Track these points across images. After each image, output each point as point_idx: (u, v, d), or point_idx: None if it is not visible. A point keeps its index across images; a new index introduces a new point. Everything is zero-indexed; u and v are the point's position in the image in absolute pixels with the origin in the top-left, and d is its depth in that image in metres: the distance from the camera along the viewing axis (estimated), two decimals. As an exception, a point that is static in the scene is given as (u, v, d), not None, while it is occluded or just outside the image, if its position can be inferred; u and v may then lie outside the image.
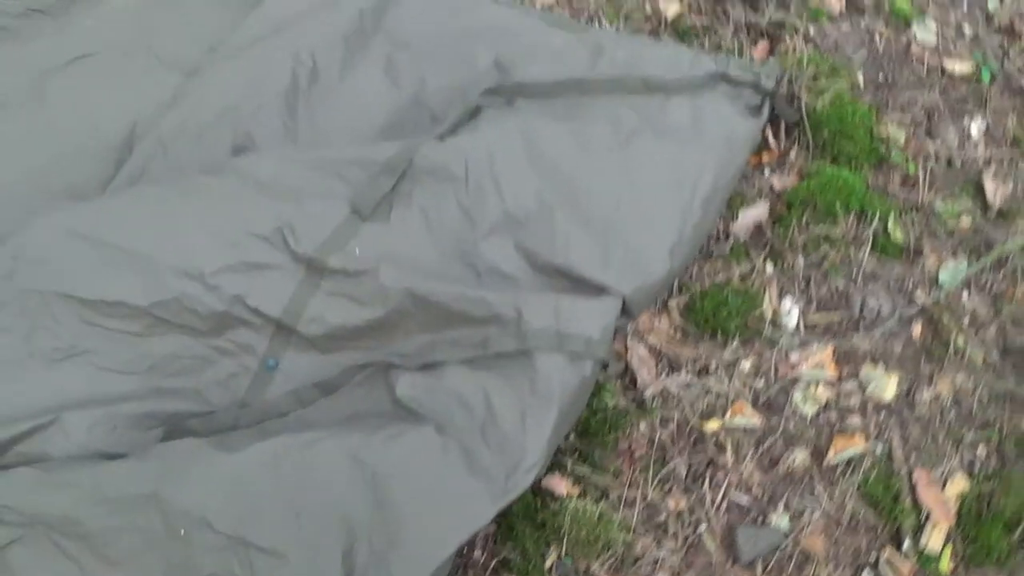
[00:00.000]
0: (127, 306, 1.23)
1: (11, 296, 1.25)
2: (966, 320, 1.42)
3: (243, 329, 1.25)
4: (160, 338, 1.25)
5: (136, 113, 1.53)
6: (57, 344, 1.24)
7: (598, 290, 1.24)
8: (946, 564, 1.24)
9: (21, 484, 1.13)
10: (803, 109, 1.54)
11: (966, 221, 1.50)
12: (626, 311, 1.25)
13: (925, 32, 1.74)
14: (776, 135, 1.56)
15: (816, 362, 1.37)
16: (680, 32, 1.70)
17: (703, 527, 1.26)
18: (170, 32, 1.65)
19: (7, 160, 1.50)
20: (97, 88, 1.57)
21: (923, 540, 1.24)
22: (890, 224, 1.47)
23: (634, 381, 1.36)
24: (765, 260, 1.47)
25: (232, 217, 1.27)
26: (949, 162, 1.57)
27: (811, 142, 1.55)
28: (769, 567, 1.23)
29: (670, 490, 1.29)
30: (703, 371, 1.37)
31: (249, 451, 1.12)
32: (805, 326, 1.42)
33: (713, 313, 1.40)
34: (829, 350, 1.38)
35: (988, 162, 1.57)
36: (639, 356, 1.37)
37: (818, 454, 1.31)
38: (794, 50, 1.64)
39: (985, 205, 1.52)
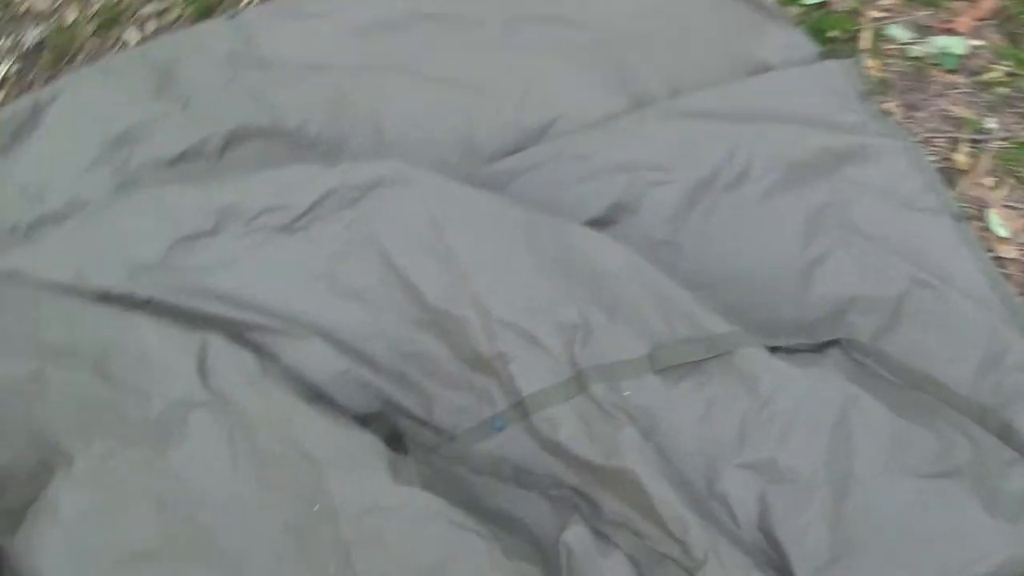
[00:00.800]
0: (421, 295, 1.36)
1: (350, 215, 1.43)
2: None
3: (494, 381, 1.36)
4: (433, 337, 1.39)
5: (565, 110, 1.63)
6: (353, 281, 1.41)
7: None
8: None
9: (239, 364, 1.32)
10: None
11: None
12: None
13: None
14: None
15: None
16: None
17: None
18: (655, 51, 1.72)
19: (446, 78, 1.66)
20: (553, 60, 1.69)
21: None
22: None
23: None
24: None
25: (549, 284, 1.36)
26: None
27: None
28: None
29: None
30: None
31: (409, 491, 1.23)
32: None
33: None
34: None
35: None
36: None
37: None
38: None
39: None
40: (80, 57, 2.01)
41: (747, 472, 1.27)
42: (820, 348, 1.37)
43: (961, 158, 1.69)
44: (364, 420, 1.35)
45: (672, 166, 1.57)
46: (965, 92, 1.78)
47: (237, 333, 1.38)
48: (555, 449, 1.31)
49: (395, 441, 1.34)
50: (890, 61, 1.83)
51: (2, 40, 2.04)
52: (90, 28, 2.03)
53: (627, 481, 1.24)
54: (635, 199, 1.55)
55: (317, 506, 1.24)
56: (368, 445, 1.27)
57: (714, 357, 1.31)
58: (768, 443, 1.27)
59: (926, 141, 1.71)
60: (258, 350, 1.37)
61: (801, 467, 1.26)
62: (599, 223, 1.52)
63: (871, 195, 1.57)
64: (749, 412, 1.28)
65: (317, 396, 1.34)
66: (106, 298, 1.39)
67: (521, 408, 1.33)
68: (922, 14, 1.90)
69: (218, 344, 1.34)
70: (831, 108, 1.67)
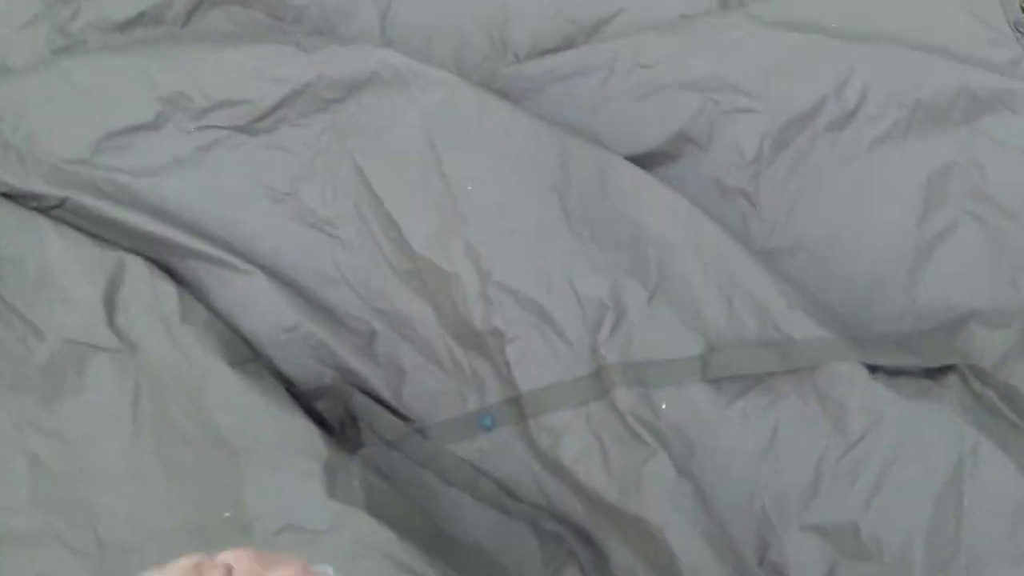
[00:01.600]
0: (404, 237, 1.00)
1: (325, 121, 1.08)
2: None
3: (487, 365, 0.99)
4: (415, 294, 1.03)
5: (630, 1, 1.24)
6: (321, 208, 1.06)
7: None
8: None
9: (156, 301, 1.00)
10: None
11: None
12: None
13: None
14: None
15: None
16: None
17: None
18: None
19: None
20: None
21: None
22: None
23: None
24: None
25: (576, 243, 0.97)
26: None
27: None
28: None
29: None
30: None
31: (344, 511, 0.88)
32: None
33: None
34: None
35: None
36: None
37: None
38: None
39: None
40: None
41: (816, 537, 0.88)
42: (934, 374, 0.96)
43: None
44: (310, 395, 1.00)
45: (761, 91, 1.13)
46: None
47: (162, 259, 1.03)
48: (555, 469, 0.94)
49: (348, 429, 1.00)
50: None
51: None
52: None
53: (647, 531, 0.87)
54: (706, 129, 1.12)
55: (228, 512, 0.90)
56: (301, 437, 0.92)
57: (786, 374, 0.92)
58: (851, 500, 0.88)
59: (1096, 91, 1.27)
60: (184, 286, 1.02)
61: (891, 539, 0.87)
62: (654, 157, 1.10)
63: (1014, 157, 1.14)
64: (830, 453, 0.89)
65: (249, 358, 0.99)
66: (12, 196, 1.04)
67: (517, 406, 0.97)
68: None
69: (136, 270, 1.00)
70: (977, 39, 1.19)
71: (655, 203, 0.98)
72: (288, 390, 0.99)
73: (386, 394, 1.01)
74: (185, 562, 0.55)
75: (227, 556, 0.54)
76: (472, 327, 0.97)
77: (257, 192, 1.06)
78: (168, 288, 0.99)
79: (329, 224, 1.04)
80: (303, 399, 0.99)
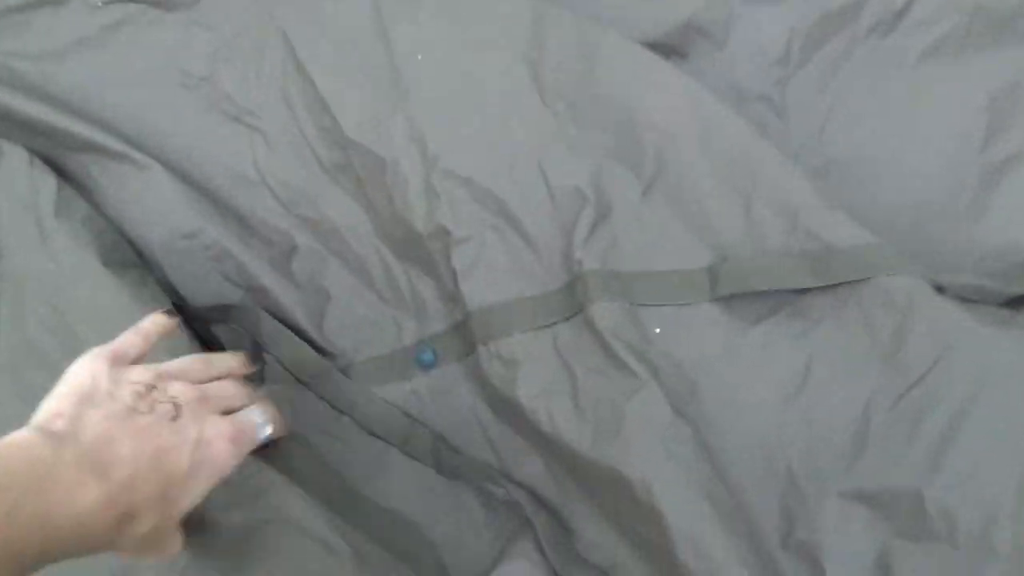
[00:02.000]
0: (336, 121, 0.77)
1: (244, 12, 0.84)
2: None
3: (431, 284, 0.75)
4: (343, 193, 0.80)
5: None
6: (240, 93, 0.82)
7: None
8: None
9: (32, 195, 0.79)
10: None
11: None
12: None
13: None
14: None
15: None
16: None
17: None
18: None
19: None
20: None
21: None
22: None
23: None
24: None
25: (551, 122, 0.73)
26: None
27: None
28: None
29: None
30: None
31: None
32: None
33: None
34: None
35: None
36: None
37: None
38: None
39: None
40: None
41: (861, 509, 0.61)
42: (1013, 302, 0.71)
43: None
44: (207, 316, 0.76)
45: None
46: None
47: (50, 154, 0.81)
48: (510, 413, 0.69)
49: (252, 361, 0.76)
50: None
51: None
52: None
53: (628, 490, 0.62)
54: (722, 22, 0.86)
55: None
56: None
57: (829, 286, 0.66)
58: (911, 459, 0.61)
59: None
60: (66, 179, 0.79)
61: (968, 514, 0.60)
62: (658, 53, 0.85)
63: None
64: (881, 396, 0.63)
65: (132, 264, 0.75)
66: None
67: (465, 332, 0.72)
68: None
69: (13, 160, 0.78)
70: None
71: (654, 83, 0.73)
72: (180, 308, 0.75)
73: (303, 321, 0.76)
74: (142, 374, 0.54)
75: (176, 388, 0.55)
76: (413, 230, 0.72)
77: (169, 77, 0.83)
78: (48, 180, 0.77)
79: (250, 114, 0.80)
80: (199, 320, 0.76)
